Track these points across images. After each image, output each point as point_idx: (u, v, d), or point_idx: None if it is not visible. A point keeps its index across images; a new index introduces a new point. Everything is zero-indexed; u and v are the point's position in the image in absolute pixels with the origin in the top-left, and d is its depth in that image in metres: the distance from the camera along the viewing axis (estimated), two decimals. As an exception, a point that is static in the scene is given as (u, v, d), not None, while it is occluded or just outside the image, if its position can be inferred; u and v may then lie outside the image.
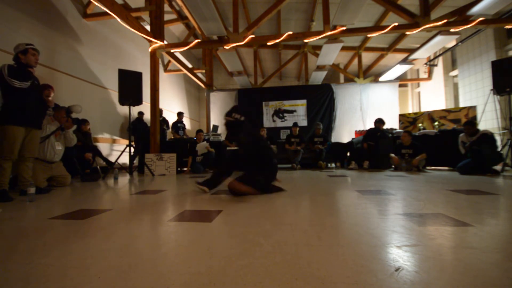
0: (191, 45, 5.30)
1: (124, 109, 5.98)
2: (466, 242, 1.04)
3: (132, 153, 4.67)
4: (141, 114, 5.96)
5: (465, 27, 4.71)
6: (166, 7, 6.48)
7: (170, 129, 6.84)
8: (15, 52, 2.40)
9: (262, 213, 1.60)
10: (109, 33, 5.75)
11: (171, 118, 8.56)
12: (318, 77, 8.10)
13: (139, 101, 4.62)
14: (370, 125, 5.91)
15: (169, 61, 8.27)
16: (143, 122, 5.98)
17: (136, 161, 5.48)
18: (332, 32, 4.90)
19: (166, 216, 1.55)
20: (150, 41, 5.05)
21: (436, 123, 6.80)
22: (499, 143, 4.19)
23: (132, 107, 4.63)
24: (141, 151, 5.21)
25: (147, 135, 5.35)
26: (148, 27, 5.21)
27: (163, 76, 8.11)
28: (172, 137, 6.61)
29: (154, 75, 5.13)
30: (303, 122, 7.71)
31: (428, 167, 5.00)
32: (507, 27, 4.76)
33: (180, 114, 6.94)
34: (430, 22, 4.62)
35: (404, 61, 7.15)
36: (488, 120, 5.69)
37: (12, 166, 2.39)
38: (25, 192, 2.45)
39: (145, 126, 5.92)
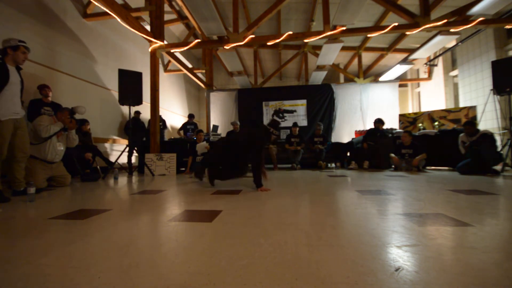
0: (191, 45, 5.30)
1: (124, 109, 5.98)
2: (466, 242, 1.04)
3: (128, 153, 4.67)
4: (137, 113, 5.95)
5: (465, 27, 4.71)
6: (166, 7, 6.48)
7: (168, 129, 6.88)
8: (3, 46, 2.29)
9: (262, 213, 1.60)
10: (109, 33, 5.75)
11: (171, 118, 8.57)
12: (318, 77, 8.10)
13: (139, 101, 4.62)
14: (370, 125, 5.91)
15: (169, 61, 8.27)
16: (140, 121, 5.97)
17: (135, 161, 5.48)
18: (332, 32, 4.90)
19: (166, 216, 1.55)
20: (150, 41, 5.05)
21: (436, 123, 6.80)
22: (499, 143, 4.19)
23: (131, 107, 4.63)
24: (141, 151, 5.21)
25: (143, 135, 5.33)
26: (148, 27, 5.21)
27: (163, 76, 8.11)
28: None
29: (154, 75, 5.12)
30: (303, 122, 7.71)
31: (428, 167, 5.00)
32: (507, 27, 4.76)
33: (190, 116, 7.01)
34: (430, 22, 4.62)
35: (404, 61, 7.15)
36: (488, 120, 5.69)
37: (3, 166, 2.35)
38: (17, 192, 2.45)
39: (142, 126, 5.92)
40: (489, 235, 1.10)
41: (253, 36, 5.07)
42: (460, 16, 4.89)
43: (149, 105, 5.19)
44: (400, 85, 8.55)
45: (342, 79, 9.75)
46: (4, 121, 2.27)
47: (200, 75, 8.63)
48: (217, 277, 0.77)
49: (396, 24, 4.76)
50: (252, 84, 8.94)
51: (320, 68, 7.45)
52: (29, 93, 3.77)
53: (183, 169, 5.13)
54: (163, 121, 6.77)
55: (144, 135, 5.77)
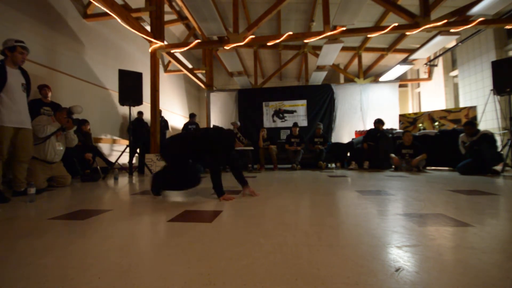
0: (191, 45, 5.30)
1: (124, 109, 5.97)
2: (466, 242, 1.04)
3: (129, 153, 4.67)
4: (140, 114, 5.95)
5: (465, 27, 4.71)
6: (166, 8, 6.48)
7: (169, 129, 6.87)
8: (2, 47, 2.21)
9: (262, 213, 1.60)
10: (109, 34, 5.75)
11: (171, 119, 8.56)
12: (318, 78, 8.09)
13: (139, 102, 4.62)
14: (370, 125, 5.91)
15: (169, 62, 8.26)
16: (143, 122, 5.98)
17: (135, 161, 5.48)
18: (332, 33, 4.90)
19: (166, 216, 1.55)
20: (150, 42, 5.05)
21: (436, 123, 6.80)
22: (499, 143, 4.19)
23: (132, 107, 4.63)
24: (142, 151, 5.21)
25: (146, 135, 5.34)
26: (148, 28, 5.21)
27: (163, 77, 8.11)
28: None
29: (154, 75, 5.12)
30: (303, 122, 7.70)
31: (428, 167, 5.00)
32: (507, 27, 4.76)
33: (192, 116, 6.96)
34: (430, 22, 4.62)
35: (404, 61, 7.15)
36: (488, 120, 5.68)
37: (4, 167, 2.33)
38: (18, 193, 2.43)
39: (146, 126, 5.93)
40: (490, 235, 1.10)
41: (253, 36, 5.07)
42: (460, 16, 4.89)
43: (149, 105, 5.19)
44: (400, 85, 8.54)
45: (342, 79, 9.75)
46: (5, 127, 2.21)
47: (200, 75, 8.63)
48: (217, 278, 0.77)
49: (396, 24, 4.76)
50: (252, 85, 8.93)
51: (320, 68, 7.45)
52: (29, 93, 3.77)
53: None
54: (166, 122, 6.75)
55: (146, 136, 5.77)
